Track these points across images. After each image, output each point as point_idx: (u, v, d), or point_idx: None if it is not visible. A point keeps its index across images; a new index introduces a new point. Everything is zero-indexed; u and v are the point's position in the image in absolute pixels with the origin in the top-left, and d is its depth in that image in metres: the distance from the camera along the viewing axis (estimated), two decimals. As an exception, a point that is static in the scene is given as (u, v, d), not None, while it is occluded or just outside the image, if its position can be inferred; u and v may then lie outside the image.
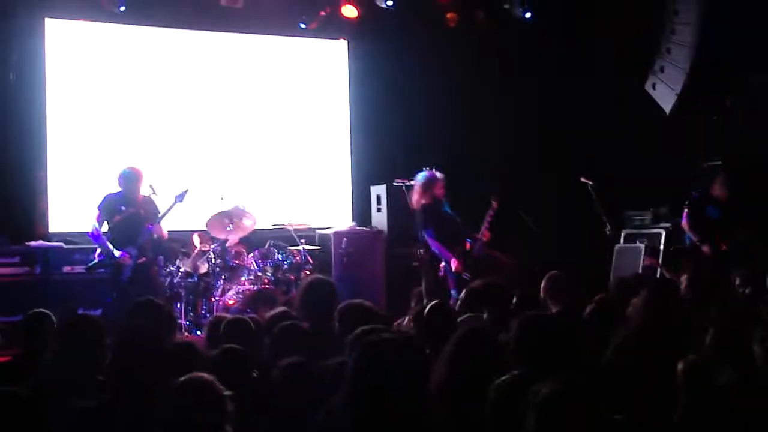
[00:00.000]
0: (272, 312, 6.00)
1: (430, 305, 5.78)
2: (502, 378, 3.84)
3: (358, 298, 7.90)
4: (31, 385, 4.15)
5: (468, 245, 8.92)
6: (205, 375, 3.66)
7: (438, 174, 9.20)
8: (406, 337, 4.11)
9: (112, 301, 8.44)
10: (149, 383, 4.09)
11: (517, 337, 4.11)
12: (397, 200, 10.73)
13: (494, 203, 9.05)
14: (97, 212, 8.60)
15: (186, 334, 9.03)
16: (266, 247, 9.89)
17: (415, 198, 9.25)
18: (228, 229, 9.65)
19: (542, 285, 6.53)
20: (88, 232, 8.64)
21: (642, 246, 10.38)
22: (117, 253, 8.44)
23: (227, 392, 3.60)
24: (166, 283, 9.44)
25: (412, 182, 10.22)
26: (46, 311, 5.53)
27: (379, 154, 11.91)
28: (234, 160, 11.41)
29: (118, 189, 8.69)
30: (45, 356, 4.84)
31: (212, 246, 9.68)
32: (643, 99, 10.75)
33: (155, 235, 8.63)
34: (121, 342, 4.52)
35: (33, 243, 9.69)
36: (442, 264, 9.00)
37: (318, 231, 11.03)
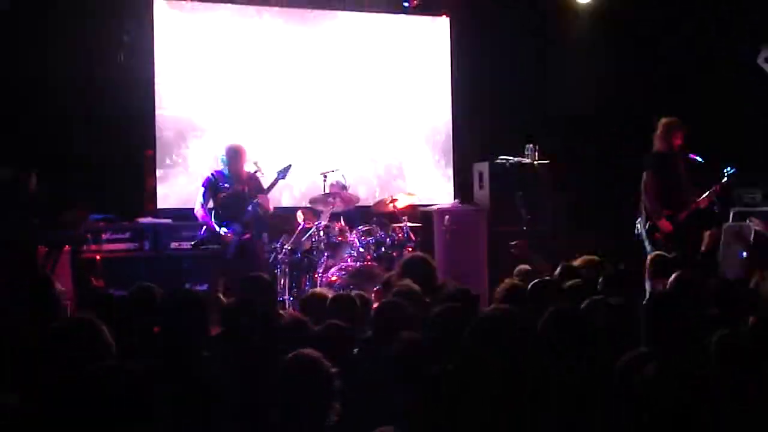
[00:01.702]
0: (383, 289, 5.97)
1: (534, 282, 5.79)
2: (628, 356, 3.92)
3: (461, 276, 8.00)
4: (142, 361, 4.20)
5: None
6: (313, 352, 3.69)
7: (677, 122, 8.83)
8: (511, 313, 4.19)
9: (218, 277, 8.63)
10: (260, 359, 4.16)
11: (646, 316, 4.19)
12: (499, 178, 10.67)
13: (726, 179, 8.76)
14: (202, 190, 8.80)
15: (290, 310, 9.01)
16: (369, 224, 9.94)
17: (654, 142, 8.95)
18: (331, 207, 9.79)
19: (646, 265, 6.58)
20: (193, 210, 8.85)
21: (753, 224, 10.12)
22: (222, 230, 8.62)
23: (334, 369, 3.63)
24: (270, 260, 9.58)
25: (516, 160, 10.21)
26: (151, 285, 5.56)
27: (482, 131, 11.77)
28: (336, 138, 11.44)
29: (222, 167, 8.87)
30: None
31: (316, 223, 9.77)
32: (756, 73, 10.47)
33: (260, 210, 8.72)
34: (232, 318, 4.67)
35: (142, 219, 9.91)
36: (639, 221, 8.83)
37: (420, 208, 10.96)
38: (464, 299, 5.30)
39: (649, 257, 6.76)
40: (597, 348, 4.17)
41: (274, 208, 9.20)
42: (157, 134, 10.73)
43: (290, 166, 8.88)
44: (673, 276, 5.54)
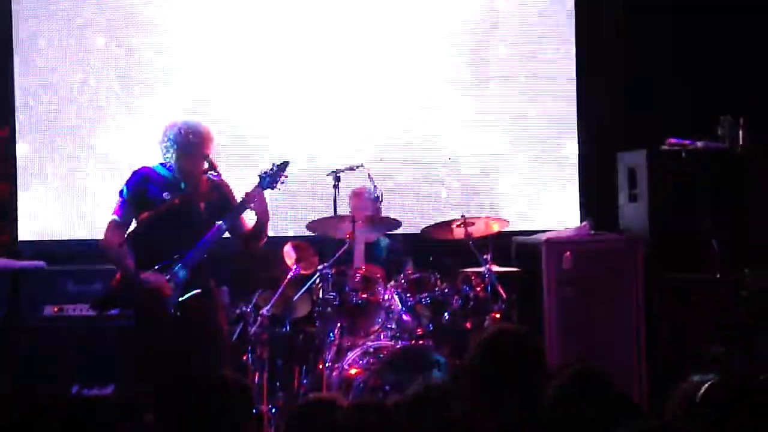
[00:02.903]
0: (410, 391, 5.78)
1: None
2: None
3: (593, 362, 7.87)
4: None
5: None
6: None
7: None
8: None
9: (137, 372, 8.53)
10: None
11: None
12: (669, 178, 10.65)
13: None
14: (117, 201, 8.58)
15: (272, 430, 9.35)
16: (422, 268, 10.02)
17: None
18: (346, 236, 9.84)
19: None
20: (99, 241, 8.63)
21: None
22: (149, 277, 8.31)
23: None
24: (234, 335, 9.69)
25: (702, 144, 10.25)
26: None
27: (632, 102, 11.90)
28: (366, 115, 11.95)
29: (159, 161, 8.69)
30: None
31: (320, 267, 9.69)
32: None
33: (239, 234, 8.75)
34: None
35: (-13, 261, 9.95)
36: None
37: (516, 238, 11.17)
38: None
39: None
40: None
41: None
42: (20, 93, 11.23)
43: (286, 164, 8.83)
44: None
